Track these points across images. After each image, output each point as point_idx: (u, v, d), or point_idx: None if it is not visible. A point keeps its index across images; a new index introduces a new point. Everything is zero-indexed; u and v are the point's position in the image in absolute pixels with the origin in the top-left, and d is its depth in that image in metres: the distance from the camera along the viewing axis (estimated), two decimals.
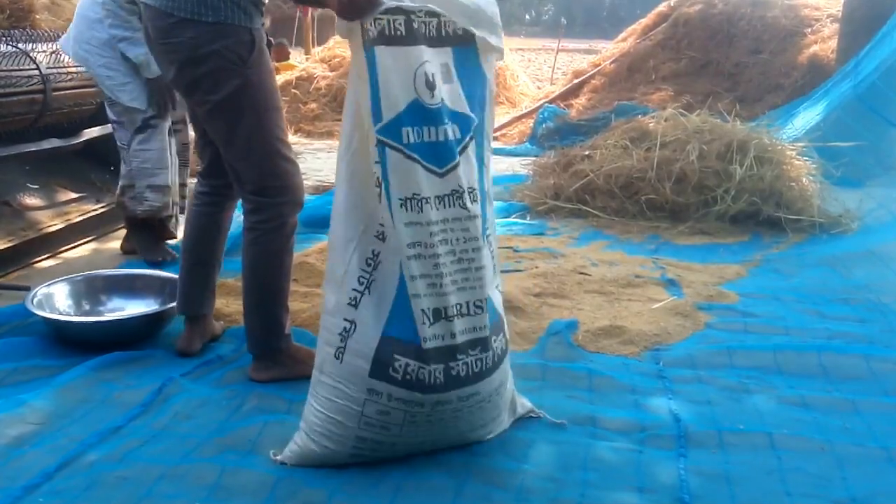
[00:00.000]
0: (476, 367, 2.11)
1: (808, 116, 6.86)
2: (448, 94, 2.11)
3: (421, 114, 2.04)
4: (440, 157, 2.06)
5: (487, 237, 2.18)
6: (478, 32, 2.18)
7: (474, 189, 2.12)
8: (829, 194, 5.14)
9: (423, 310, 2.03)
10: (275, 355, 2.66)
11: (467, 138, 2.13)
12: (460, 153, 2.09)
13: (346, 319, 2.11)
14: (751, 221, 4.98)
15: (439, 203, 2.05)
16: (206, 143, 2.74)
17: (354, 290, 2.10)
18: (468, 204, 2.08)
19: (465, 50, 2.18)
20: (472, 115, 2.15)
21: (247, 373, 2.70)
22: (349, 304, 2.11)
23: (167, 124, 3.99)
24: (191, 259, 2.85)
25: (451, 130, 2.08)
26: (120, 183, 4.04)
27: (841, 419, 2.46)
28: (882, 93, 6.31)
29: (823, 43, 8.91)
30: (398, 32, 2.03)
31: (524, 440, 2.31)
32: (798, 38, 9.33)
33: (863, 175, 5.80)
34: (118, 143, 3.97)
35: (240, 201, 2.72)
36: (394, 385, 2.05)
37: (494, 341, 2.17)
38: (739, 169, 5.03)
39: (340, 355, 2.11)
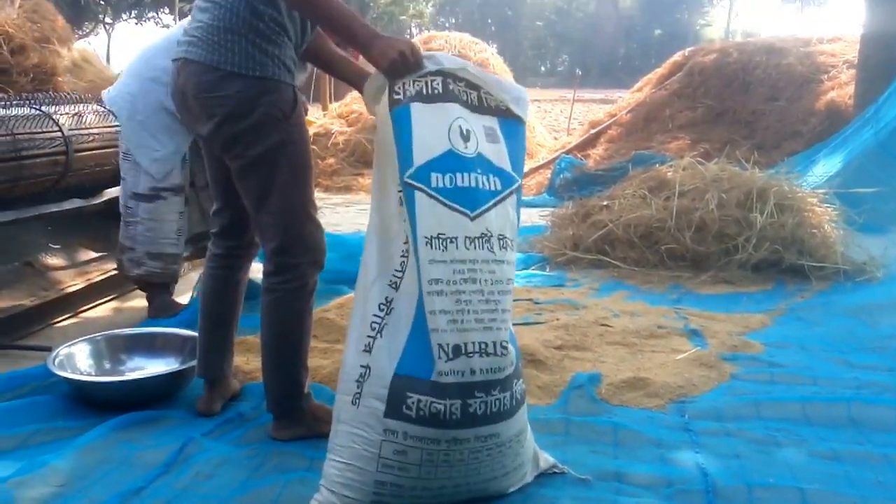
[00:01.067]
0: (495, 406, 2.12)
1: (828, 164, 6.83)
2: (493, 152, 2.27)
3: (455, 161, 2.17)
4: (472, 201, 2.17)
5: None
6: (516, 110, 2.38)
7: (505, 237, 2.22)
8: (852, 241, 5.10)
9: (440, 345, 2.07)
10: (295, 414, 2.63)
11: (506, 192, 2.26)
12: (497, 203, 2.22)
13: (361, 366, 2.16)
14: (773, 269, 4.94)
15: (469, 244, 2.14)
16: (226, 204, 2.73)
17: (368, 336, 2.17)
18: (496, 248, 2.17)
19: (510, 121, 2.37)
20: (515, 174, 2.31)
21: (267, 431, 2.67)
22: (364, 350, 2.17)
23: (180, 198, 4.05)
24: (209, 322, 2.83)
25: (486, 180, 2.21)
26: (120, 241, 4.08)
27: (874, 473, 2.40)
28: None
29: (840, 89, 8.94)
30: (435, 91, 2.22)
31: (548, 497, 2.27)
32: (815, 85, 9.36)
33: (886, 221, 5.75)
34: (122, 202, 4.03)
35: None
36: (409, 423, 2.07)
37: (515, 384, 2.19)
38: (760, 217, 5.00)
39: (357, 401, 2.14)
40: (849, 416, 2.79)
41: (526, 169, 10.51)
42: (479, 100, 2.31)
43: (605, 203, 5.76)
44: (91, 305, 4.30)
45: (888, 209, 5.84)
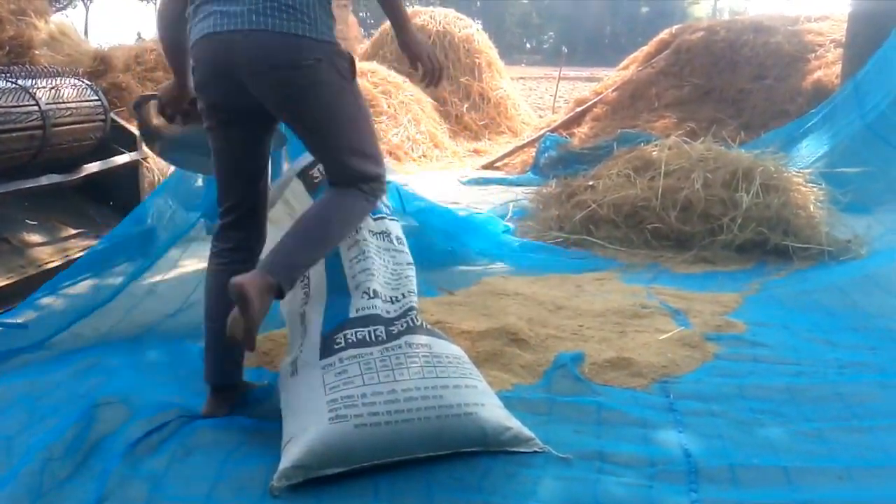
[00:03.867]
0: (412, 323, 2.52)
1: (813, 144, 6.82)
2: None
3: None
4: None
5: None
6: None
7: (401, 238, 2.86)
8: (837, 221, 5.10)
9: (363, 289, 2.56)
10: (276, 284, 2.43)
11: (393, 215, 2.94)
12: (390, 218, 2.87)
13: (293, 355, 2.56)
14: (758, 250, 4.92)
15: (372, 235, 2.74)
16: (245, 196, 2.63)
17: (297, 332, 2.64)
18: (395, 243, 2.81)
19: None
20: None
21: (254, 408, 2.66)
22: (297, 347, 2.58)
23: None
24: (219, 326, 2.54)
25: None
26: None
27: (857, 447, 2.41)
28: (891, 122, 6.28)
29: (827, 68, 8.93)
30: None
31: (531, 476, 2.26)
32: (802, 64, 9.35)
33: (871, 201, 5.76)
34: None
35: None
36: (341, 351, 2.40)
37: (425, 322, 2.64)
38: (746, 197, 4.98)
39: (294, 372, 2.46)
40: (833, 395, 2.80)
41: (510, 147, 10.54)
42: None
43: (589, 183, 5.73)
44: (71, 283, 4.24)
45: (874, 189, 5.84)
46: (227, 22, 2.36)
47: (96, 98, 4.71)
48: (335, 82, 2.43)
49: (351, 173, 2.53)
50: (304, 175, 2.91)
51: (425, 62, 2.61)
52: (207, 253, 2.75)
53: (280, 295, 2.35)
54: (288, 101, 2.45)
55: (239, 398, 2.75)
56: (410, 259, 2.81)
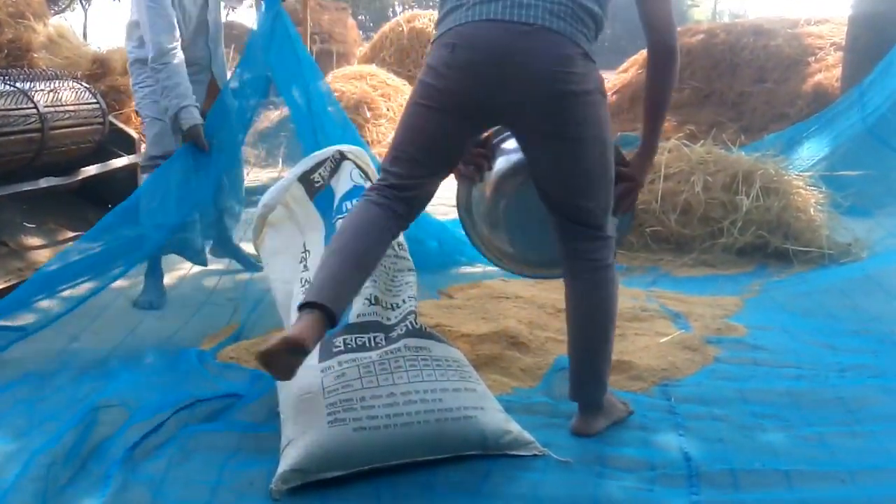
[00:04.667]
0: (414, 325, 2.50)
1: (815, 148, 6.80)
2: None
3: (359, 190, 2.74)
4: None
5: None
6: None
7: (402, 244, 2.82)
8: (838, 224, 5.09)
9: (366, 298, 2.52)
10: (602, 404, 2.58)
11: None
12: None
13: None
14: (758, 254, 4.92)
15: None
16: (429, 178, 2.45)
17: None
18: (397, 249, 2.76)
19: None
20: None
21: (252, 411, 2.65)
22: None
23: None
24: (354, 260, 2.31)
25: None
26: None
27: (859, 450, 2.40)
28: (893, 125, 6.26)
29: (828, 71, 8.93)
30: (336, 161, 2.94)
31: (531, 480, 2.25)
32: (802, 67, 9.35)
33: (872, 204, 5.74)
34: None
35: None
36: (340, 355, 2.38)
37: (425, 326, 2.59)
38: (746, 200, 4.97)
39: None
40: (834, 398, 2.79)
41: None
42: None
43: None
44: (69, 285, 4.22)
45: (874, 192, 5.82)
46: (518, 13, 2.26)
47: (95, 101, 4.71)
48: (604, 115, 2.39)
49: (582, 216, 2.45)
50: (304, 179, 2.90)
51: (635, 189, 2.67)
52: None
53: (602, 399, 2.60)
54: (560, 112, 2.31)
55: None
56: (412, 265, 2.80)
